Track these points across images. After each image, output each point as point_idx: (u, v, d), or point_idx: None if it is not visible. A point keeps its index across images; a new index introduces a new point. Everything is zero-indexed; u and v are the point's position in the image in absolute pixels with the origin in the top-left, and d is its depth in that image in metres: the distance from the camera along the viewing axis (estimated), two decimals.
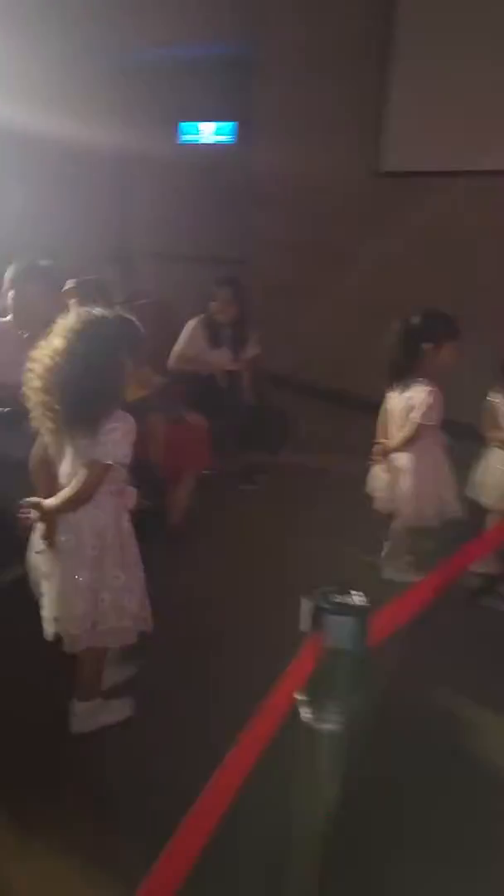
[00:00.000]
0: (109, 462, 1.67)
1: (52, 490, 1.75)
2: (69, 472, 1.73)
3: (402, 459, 2.63)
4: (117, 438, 1.68)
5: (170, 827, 0.65)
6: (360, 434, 3.15)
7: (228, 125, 5.46)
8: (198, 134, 5.59)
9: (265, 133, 5.35)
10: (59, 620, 1.74)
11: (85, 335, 1.64)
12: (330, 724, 0.77)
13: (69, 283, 2.97)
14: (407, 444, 2.59)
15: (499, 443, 2.64)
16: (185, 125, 5.58)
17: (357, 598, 0.74)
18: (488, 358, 2.78)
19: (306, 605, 0.74)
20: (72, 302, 2.98)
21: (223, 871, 1.43)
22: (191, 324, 3.59)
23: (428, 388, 2.52)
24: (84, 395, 1.63)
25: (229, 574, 2.80)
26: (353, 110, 4.74)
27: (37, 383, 1.65)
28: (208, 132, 5.54)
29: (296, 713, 0.78)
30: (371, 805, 1.58)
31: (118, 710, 1.88)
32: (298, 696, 0.76)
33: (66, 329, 1.65)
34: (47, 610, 1.76)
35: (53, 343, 1.64)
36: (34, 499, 1.73)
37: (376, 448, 2.67)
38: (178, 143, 5.57)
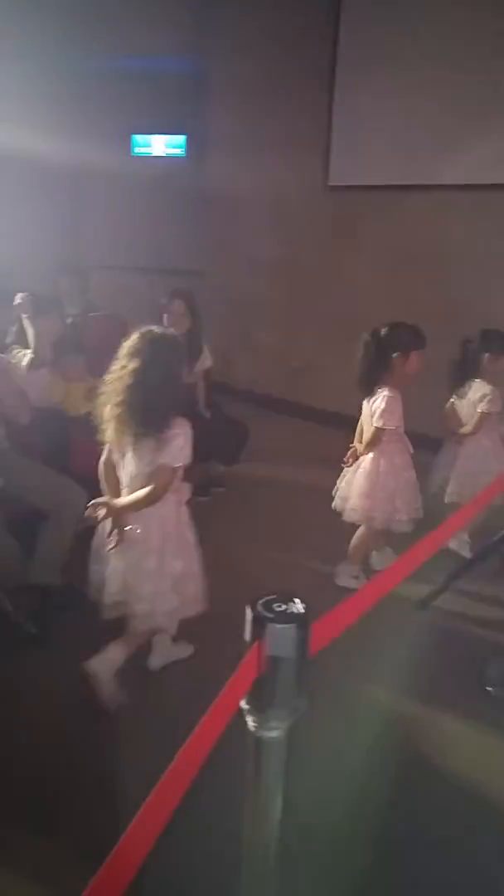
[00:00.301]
0: (178, 465, 1.93)
1: (119, 490, 2.01)
2: (133, 474, 1.98)
3: (364, 461, 2.75)
4: (181, 444, 1.94)
5: (112, 838, 0.65)
6: (316, 445, 3.20)
7: (180, 139, 5.50)
8: (150, 147, 5.61)
9: (216, 147, 5.42)
10: (127, 602, 1.97)
11: (149, 354, 1.89)
12: (273, 731, 0.78)
13: (19, 297, 2.94)
14: (368, 448, 2.71)
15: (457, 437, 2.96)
16: (137, 138, 5.60)
17: (298, 607, 0.76)
18: (436, 368, 2.90)
19: (248, 615, 0.76)
20: (24, 316, 2.96)
21: (170, 879, 1.43)
22: None
23: (386, 394, 2.63)
24: (151, 405, 1.88)
25: None
26: (303, 126, 4.85)
27: (111, 398, 1.92)
28: (161, 145, 5.56)
29: (241, 720, 0.80)
30: (318, 809, 1.60)
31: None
32: (243, 704, 0.78)
33: (132, 348, 1.91)
34: (114, 593, 1.98)
35: (121, 362, 1.92)
36: (104, 498, 1.97)
37: (349, 452, 2.81)
38: (132, 155, 5.58)
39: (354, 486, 2.77)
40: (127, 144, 5.60)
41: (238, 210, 5.20)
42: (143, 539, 1.97)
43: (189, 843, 1.44)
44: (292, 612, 0.75)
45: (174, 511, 2.05)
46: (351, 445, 2.84)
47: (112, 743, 1.84)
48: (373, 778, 1.84)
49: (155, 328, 1.98)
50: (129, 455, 1.98)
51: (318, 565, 2.91)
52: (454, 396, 3.07)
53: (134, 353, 1.91)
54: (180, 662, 2.25)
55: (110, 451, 2.06)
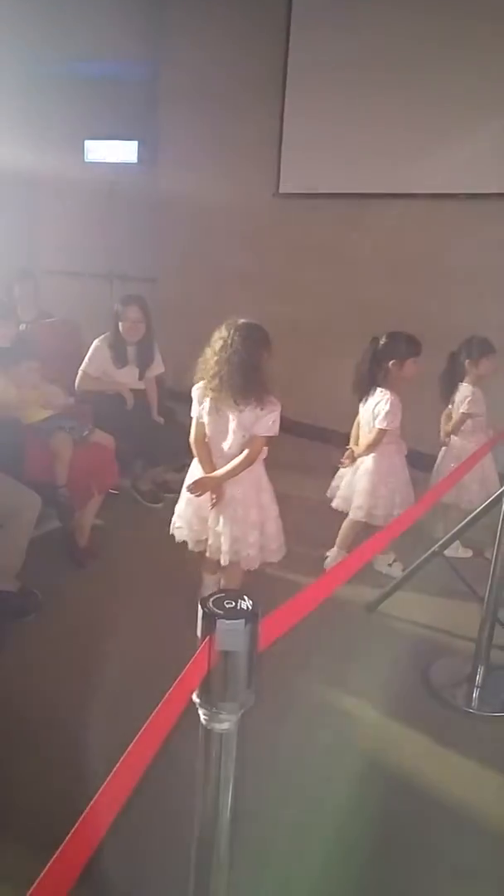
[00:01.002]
0: (269, 435, 2.33)
1: (211, 461, 2.40)
2: (232, 442, 2.35)
3: (366, 462, 2.92)
4: (274, 418, 2.32)
5: (61, 833, 0.68)
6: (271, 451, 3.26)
7: (133, 145, 5.51)
8: (103, 153, 5.60)
9: (168, 153, 5.45)
10: (238, 551, 2.37)
11: (239, 337, 2.26)
12: (224, 724, 0.82)
13: None
14: (369, 448, 2.87)
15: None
16: (89, 144, 5.58)
17: (247, 603, 0.80)
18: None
19: (199, 612, 0.80)
20: None
21: (121, 872, 1.45)
22: (96, 343, 3.58)
23: (389, 397, 2.82)
24: (243, 377, 2.25)
25: (136, 590, 2.82)
26: (254, 132, 4.91)
27: (209, 381, 2.30)
28: (113, 151, 5.56)
29: (192, 714, 0.83)
30: (267, 802, 1.64)
31: None
32: (194, 698, 0.81)
33: (223, 335, 2.29)
34: (225, 545, 2.37)
35: (213, 348, 2.30)
36: (204, 476, 2.37)
37: (347, 453, 2.98)
38: (84, 161, 5.56)
39: (358, 486, 2.95)
40: (79, 150, 5.58)
41: (190, 216, 5.23)
42: (244, 497, 2.37)
43: (140, 834, 1.46)
44: (241, 609, 0.79)
45: (262, 469, 2.45)
46: (346, 448, 3.01)
47: (67, 741, 1.85)
48: (320, 775, 1.89)
49: (240, 319, 2.32)
50: (231, 427, 2.34)
51: (282, 571, 2.96)
52: (450, 405, 3.25)
53: (224, 340, 2.28)
54: None
55: (200, 427, 2.41)
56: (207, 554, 2.49)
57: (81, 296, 5.48)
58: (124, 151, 5.51)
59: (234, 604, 0.80)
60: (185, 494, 2.48)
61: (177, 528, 2.54)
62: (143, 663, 2.27)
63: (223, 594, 0.81)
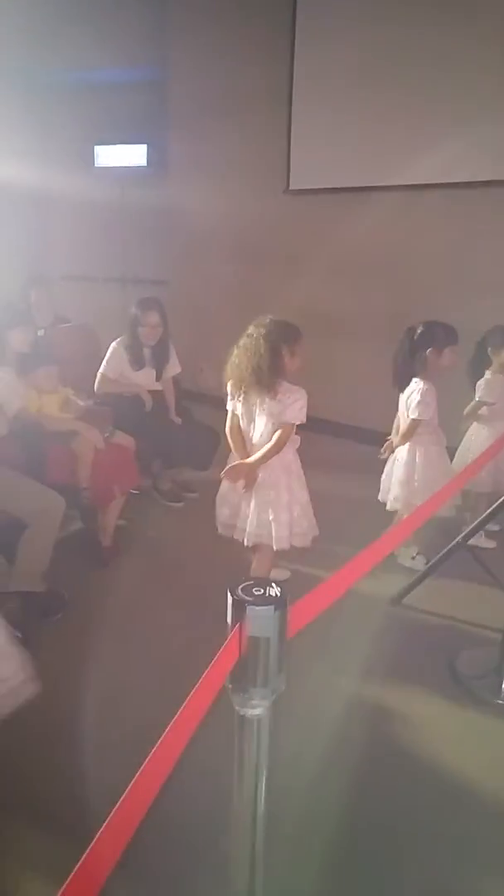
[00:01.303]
0: (296, 422, 2.46)
1: (245, 448, 2.57)
2: (263, 431, 2.51)
3: (400, 452, 2.97)
4: (301, 405, 2.47)
5: (98, 820, 0.69)
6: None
7: (142, 149, 5.54)
8: (113, 158, 5.64)
9: (178, 156, 5.48)
10: (264, 533, 2.52)
11: (262, 333, 2.43)
12: (256, 709, 0.84)
13: None
14: (403, 439, 2.93)
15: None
16: (99, 150, 5.63)
17: (275, 590, 0.82)
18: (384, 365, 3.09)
19: (229, 599, 0.81)
20: None
21: (158, 858, 1.47)
22: (112, 346, 3.61)
23: (422, 387, 2.83)
24: (263, 370, 2.42)
25: (161, 587, 2.85)
26: (263, 131, 4.93)
27: (240, 375, 2.48)
28: (123, 156, 5.60)
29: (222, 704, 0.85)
30: (298, 790, 1.65)
31: None
32: (227, 684, 0.83)
33: (250, 331, 2.47)
34: (251, 527, 2.53)
35: (242, 342, 2.48)
36: (237, 462, 2.52)
37: (385, 444, 3.05)
38: (95, 166, 5.61)
39: (394, 476, 2.99)
40: (90, 156, 5.63)
41: (201, 217, 5.25)
42: (274, 481, 2.52)
43: (176, 821, 1.48)
44: (270, 595, 0.81)
45: (292, 456, 2.60)
46: (387, 438, 3.08)
47: (98, 735, 1.88)
48: (349, 761, 1.90)
49: (268, 317, 2.49)
50: (258, 417, 2.52)
51: (297, 563, 2.98)
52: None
53: (249, 337, 2.46)
54: None
55: (235, 419, 2.61)
56: (236, 536, 2.61)
57: (96, 300, 5.53)
58: (134, 155, 5.55)
59: (262, 591, 0.82)
60: (223, 487, 2.66)
61: (220, 520, 2.69)
62: (170, 658, 2.30)
63: (252, 582, 0.83)
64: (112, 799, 0.72)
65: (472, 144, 3.95)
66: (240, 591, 0.81)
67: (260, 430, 2.54)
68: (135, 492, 3.40)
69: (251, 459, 2.51)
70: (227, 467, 2.54)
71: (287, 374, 2.49)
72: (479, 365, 3.19)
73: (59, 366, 3.13)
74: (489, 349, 3.15)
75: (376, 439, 3.25)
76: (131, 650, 2.35)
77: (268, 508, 2.52)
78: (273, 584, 0.83)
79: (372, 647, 2.45)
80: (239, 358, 2.48)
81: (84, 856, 0.67)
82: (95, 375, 3.61)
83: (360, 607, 2.62)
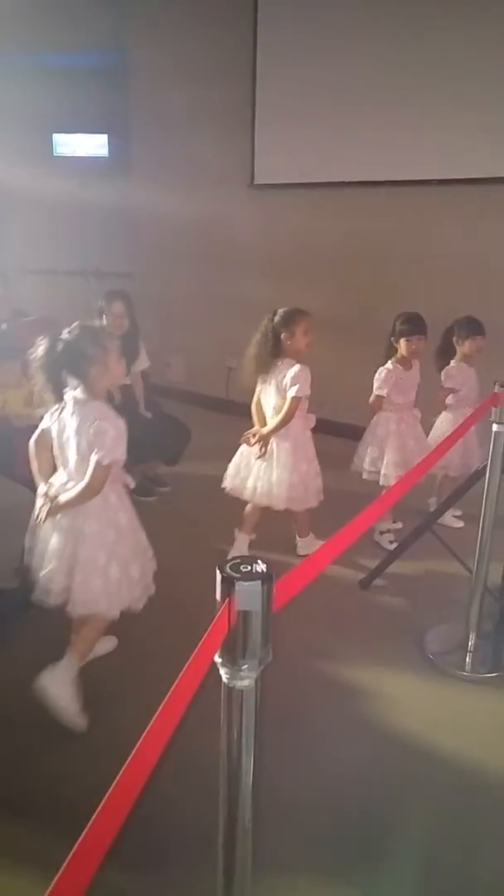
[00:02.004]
0: (301, 395, 2.82)
1: (264, 421, 2.95)
2: (274, 405, 2.90)
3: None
4: (294, 375, 2.81)
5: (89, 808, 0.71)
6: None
7: (103, 138, 5.49)
8: (72, 147, 5.58)
9: (141, 147, 5.45)
10: (279, 494, 2.90)
11: (268, 320, 2.85)
12: (244, 681, 0.88)
13: None
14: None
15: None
16: (58, 138, 5.55)
17: (261, 567, 0.86)
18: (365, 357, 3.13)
19: (218, 576, 0.85)
20: None
21: (151, 834, 1.51)
22: None
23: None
24: (266, 350, 2.84)
25: None
26: (228, 124, 4.93)
27: (252, 355, 2.89)
28: (83, 145, 5.54)
29: (214, 675, 0.88)
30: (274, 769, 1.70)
31: None
32: (216, 658, 0.87)
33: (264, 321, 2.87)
34: (276, 488, 2.89)
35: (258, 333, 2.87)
36: (255, 429, 2.94)
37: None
38: (53, 155, 5.53)
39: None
40: (48, 144, 5.55)
41: (166, 210, 5.24)
42: (291, 448, 2.89)
43: (170, 798, 1.52)
44: (257, 571, 0.85)
45: (302, 427, 2.96)
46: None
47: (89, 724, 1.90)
48: (325, 734, 1.97)
49: (278, 309, 2.85)
50: (265, 396, 2.93)
51: (271, 552, 3.02)
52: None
53: (262, 324, 2.86)
54: None
55: (257, 397, 2.97)
56: (249, 497, 2.97)
57: (58, 293, 5.47)
58: (94, 145, 5.50)
59: (249, 568, 0.85)
60: (240, 449, 3.00)
61: (228, 477, 3.02)
62: (146, 650, 2.33)
63: (238, 560, 0.87)
64: (106, 781, 0.74)
65: (434, 142, 4.04)
66: (228, 568, 0.85)
67: (270, 405, 2.92)
68: None
69: (265, 430, 2.89)
70: (246, 432, 2.95)
71: (289, 353, 2.84)
72: (444, 354, 3.30)
73: (22, 361, 3.11)
74: (454, 339, 3.26)
75: (347, 432, 3.33)
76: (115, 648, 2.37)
77: (284, 471, 2.88)
78: (259, 561, 0.87)
79: (342, 629, 2.53)
80: (252, 348, 2.89)
81: (84, 832, 0.69)
82: None
83: (329, 591, 2.69)
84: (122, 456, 1.96)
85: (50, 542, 2.03)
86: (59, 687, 1.94)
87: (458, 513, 3.35)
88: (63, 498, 1.98)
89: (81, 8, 5.15)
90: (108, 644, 2.32)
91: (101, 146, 5.48)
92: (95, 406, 1.97)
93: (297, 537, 3.12)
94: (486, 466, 2.30)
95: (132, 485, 2.16)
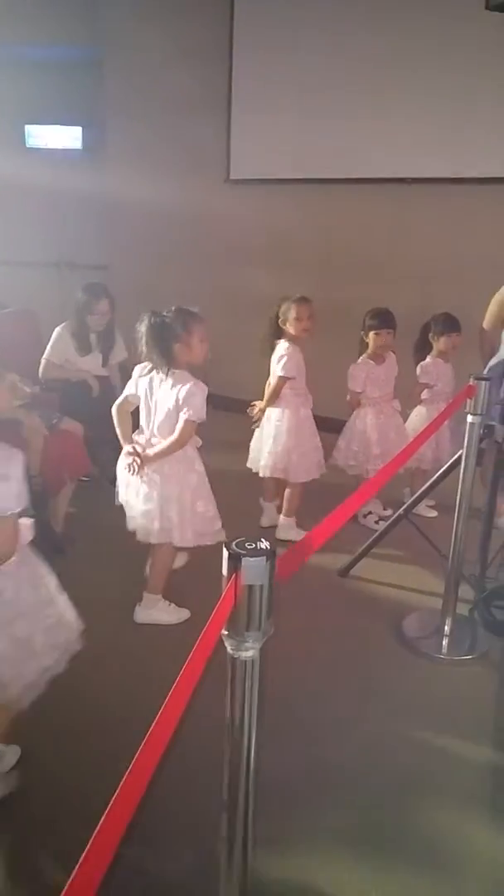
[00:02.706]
0: (284, 375, 3.07)
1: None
2: (269, 382, 3.13)
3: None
4: (286, 360, 3.06)
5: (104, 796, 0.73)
6: (233, 432, 3.37)
7: (77, 130, 5.46)
8: (46, 138, 5.53)
9: (116, 139, 5.42)
10: (266, 465, 3.21)
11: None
12: (249, 651, 0.93)
13: None
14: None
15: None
16: (31, 129, 5.50)
17: (264, 544, 0.91)
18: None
19: (225, 553, 0.90)
20: None
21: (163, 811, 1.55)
22: (57, 331, 3.59)
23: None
24: (268, 336, 3.15)
25: (114, 571, 2.89)
26: (204, 118, 4.94)
27: None
28: (57, 137, 5.50)
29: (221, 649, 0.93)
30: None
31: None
32: (223, 631, 0.92)
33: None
34: (265, 459, 3.19)
35: None
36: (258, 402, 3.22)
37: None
38: (26, 146, 5.48)
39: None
40: (20, 135, 5.49)
41: (140, 203, 5.23)
42: (278, 424, 3.16)
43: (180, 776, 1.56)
44: (262, 548, 0.90)
45: (296, 408, 3.16)
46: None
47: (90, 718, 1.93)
48: (311, 716, 2.03)
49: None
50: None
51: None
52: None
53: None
54: None
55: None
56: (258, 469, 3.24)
57: (32, 285, 5.43)
58: (68, 137, 5.46)
59: (253, 545, 0.91)
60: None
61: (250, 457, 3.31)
62: (129, 640, 2.36)
63: (243, 538, 0.92)
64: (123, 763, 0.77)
65: (410, 142, 4.12)
66: (234, 545, 0.90)
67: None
68: (85, 479, 3.40)
69: (260, 405, 3.24)
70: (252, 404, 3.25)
71: (287, 337, 3.07)
72: (421, 349, 3.40)
73: (1, 351, 3.11)
74: (430, 335, 3.34)
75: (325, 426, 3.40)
76: (94, 642, 2.39)
77: (262, 444, 3.23)
78: (262, 539, 0.92)
79: (323, 616, 2.59)
80: (262, 332, 3.13)
81: (109, 805, 0.71)
82: (39, 362, 3.59)
83: (309, 580, 2.76)
84: (205, 415, 2.36)
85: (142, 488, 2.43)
86: (153, 613, 2.51)
87: (432, 503, 3.44)
88: (153, 451, 2.38)
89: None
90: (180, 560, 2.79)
91: (75, 139, 5.45)
92: (181, 374, 2.35)
93: (281, 516, 3.26)
94: (459, 458, 2.39)
95: (200, 444, 2.56)
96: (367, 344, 3.30)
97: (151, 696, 0.84)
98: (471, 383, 2.23)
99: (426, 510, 3.39)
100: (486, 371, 3.15)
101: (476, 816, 1.75)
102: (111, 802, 0.71)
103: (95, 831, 0.67)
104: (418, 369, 3.37)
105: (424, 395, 3.38)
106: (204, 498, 2.48)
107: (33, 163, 5.47)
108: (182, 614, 2.54)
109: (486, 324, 3.22)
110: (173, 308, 2.37)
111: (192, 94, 4.95)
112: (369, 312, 3.29)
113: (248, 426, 3.30)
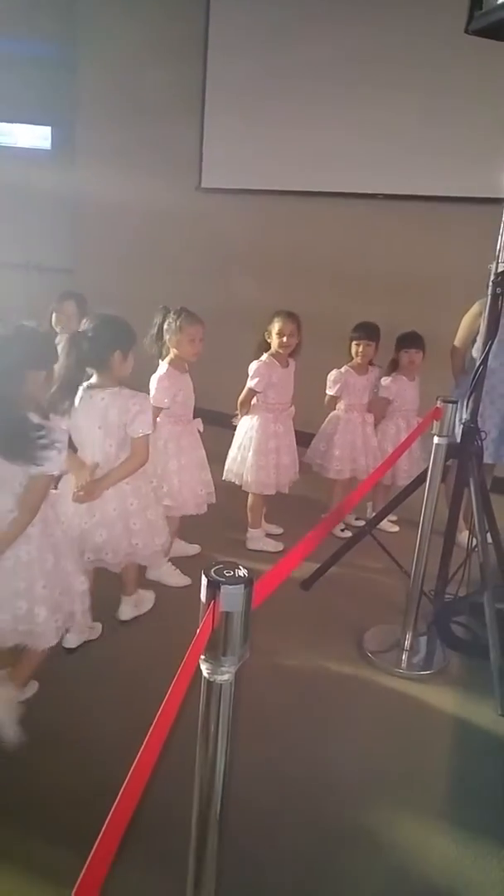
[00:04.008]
0: (252, 387, 3.16)
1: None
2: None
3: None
4: (254, 373, 3.14)
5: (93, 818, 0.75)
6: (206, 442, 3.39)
7: (46, 130, 5.41)
8: (13, 137, 5.47)
9: (85, 141, 5.39)
10: (229, 468, 3.32)
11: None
12: (224, 675, 0.95)
13: None
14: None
15: None
16: None
17: (242, 571, 0.93)
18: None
19: (203, 580, 0.91)
20: None
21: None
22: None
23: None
24: (257, 348, 3.25)
25: None
26: (176, 125, 4.94)
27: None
28: (25, 135, 5.44)
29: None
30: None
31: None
32: (201, 658, 0.93)
33: None
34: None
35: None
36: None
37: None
38: None
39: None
40: None
41: (109, 207, 5.21)
42: (250, 435, 3.24)
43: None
44: (240, 576, 0.92)
45: (265, 422, 3.22)
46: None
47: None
48: (274, 726, 2.05)
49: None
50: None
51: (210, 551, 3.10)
52: None
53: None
54: None
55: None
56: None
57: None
58: (37, 136, 5.41)
59: (231, 572, 0.93)
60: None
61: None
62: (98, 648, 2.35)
63: (221, 565, 0.94)
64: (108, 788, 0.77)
65: (381, 158, 4.20)
66: (212, 572, 0.92)
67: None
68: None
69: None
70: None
71: (271, 349, 3.13)
72: (392, 365, 3.52)
73: None
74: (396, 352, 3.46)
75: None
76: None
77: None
78: (239, 566, 0.94)
79: (285, 630, 2.62)
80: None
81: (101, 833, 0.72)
82: None
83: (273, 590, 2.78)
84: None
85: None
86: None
87: (394, 518, 3.51)
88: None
89: None
90: (190, 549, 3.09)
91: (44, 138, 5.41)
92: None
93: (248, 528, 3.32)
94: (424, 475, 2.45)
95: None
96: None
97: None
98: (438, 405, 2.29)
99: (388, 525, 3.46)
100: (455, 388, 3.24)
101: (432, 827, 1.79)
102: (105, 826, 0.73)
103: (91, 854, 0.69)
104: (381, 384, 3.45)
105: (387, 410, 3.47)
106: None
107: (1, 161, 5.40)
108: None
109: (457, 341, 3.27)
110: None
111: (165, 97, 4.95)
112: (356, 325, 3.42)
113: (218, 437, 3.29)
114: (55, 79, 5.33)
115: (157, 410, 2.70)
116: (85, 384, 2.29)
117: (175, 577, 2.89)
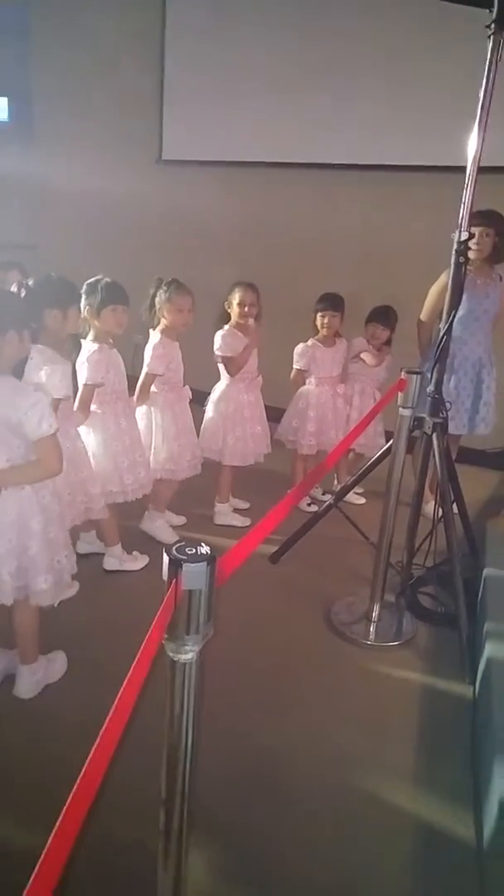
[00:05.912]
0: (220, 354, 3.15)
1: None
2: None
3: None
4: (219, 341, 3.13)
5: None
6: None
7: (2, 101, 5.22)
8: None
9: (44, 113, 5.22)
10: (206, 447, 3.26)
11: None
12: (188, 654, 0.93)
13: None
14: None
15: None
16: None
17: (204, 549, 0.92)
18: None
19: (165, 559, 0.90)
20: None
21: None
22: None
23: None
24: (218, 319, 3.20)
25: None
26: (136, 96, 4.83)
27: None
28: None
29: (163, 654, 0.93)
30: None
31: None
32: (165, 637, 0.92)
33: None
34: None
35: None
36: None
37: None
38: None
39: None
40: None
41: (70, 180, 5.07)
42: (217, 404, 3.25)
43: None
44: (202, 553, 0.90)
45: (237, 392, 3.23)
46: None
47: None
48: (237, 707, 2.06)
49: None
50: None
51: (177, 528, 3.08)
52: None
53: None
54: None
55: None
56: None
57: None
58: None
59: (194, 550, 0.91)
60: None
61: None
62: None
63: (183, 543, 0.92)
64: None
65: (340, 128, 4.15)
66: (174, 551, 0.90)
67: None
68: None
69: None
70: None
71: (231, 320, 3.09)
72: None
73: None
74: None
75: None
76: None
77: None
78: (202, 544, 0.92)
79: (253, 603, 2.63)
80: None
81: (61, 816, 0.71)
82: None
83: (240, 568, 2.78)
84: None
85: None
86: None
87: (360, 490, 3.53)
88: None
89: None
90: (176, 520, 3.21)
91: (1, 109, 5.21)
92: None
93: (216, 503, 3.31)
94: (390, 448, 2.45)
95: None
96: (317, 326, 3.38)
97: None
98: (402, 377, 2.29)
99: (355, 497, 3.49)
100: (423, 363, 3.23)
101: (401, 794, 1.83)
102: (66, 807, 0.71)
103: (53, 833, 0.68)
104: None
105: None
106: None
107: None
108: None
109: (423, 315, 3.22)
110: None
111: (124, 69, 4.82)
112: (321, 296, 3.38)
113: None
114: (12, 48, 5.14)
115: (152, 378, 2.87)
116: None
117: (167, 534, 3.03)
